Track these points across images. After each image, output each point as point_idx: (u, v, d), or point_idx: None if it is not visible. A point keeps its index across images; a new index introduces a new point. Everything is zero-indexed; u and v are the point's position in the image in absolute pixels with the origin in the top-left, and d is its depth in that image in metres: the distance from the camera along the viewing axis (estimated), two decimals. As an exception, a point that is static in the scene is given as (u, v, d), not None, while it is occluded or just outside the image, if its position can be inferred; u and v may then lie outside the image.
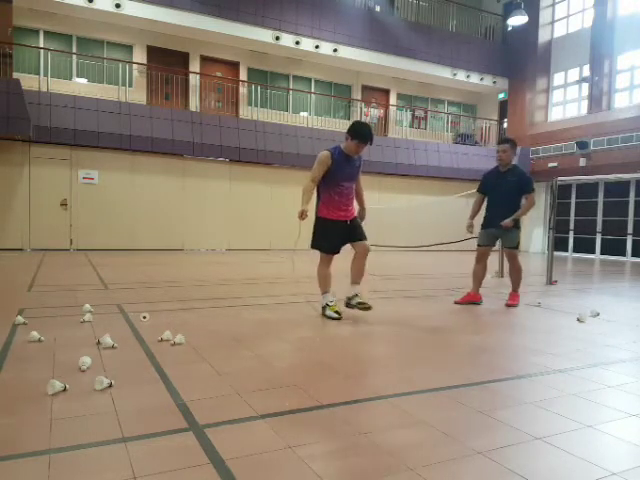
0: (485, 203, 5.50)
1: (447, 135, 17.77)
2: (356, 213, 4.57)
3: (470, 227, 5.40)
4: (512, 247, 5.30)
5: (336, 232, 4.40)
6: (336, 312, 4.32)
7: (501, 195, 5.24)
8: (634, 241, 14.49)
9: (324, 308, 4.42)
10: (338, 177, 4.34)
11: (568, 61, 16.31)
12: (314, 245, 4.46)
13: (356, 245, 4.44)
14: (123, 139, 11.88)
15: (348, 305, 4.41)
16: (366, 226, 4.60)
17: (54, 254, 10.52)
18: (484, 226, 5.45)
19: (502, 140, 5.44)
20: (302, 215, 4.15)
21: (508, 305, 5.27)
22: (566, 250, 15.98)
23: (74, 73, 12.91)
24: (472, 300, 5.34)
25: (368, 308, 4.28)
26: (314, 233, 4.48)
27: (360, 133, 4.25)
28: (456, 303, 5.31)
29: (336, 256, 4.54)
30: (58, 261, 9.08)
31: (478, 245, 5.51)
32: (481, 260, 5.45)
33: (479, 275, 5.43)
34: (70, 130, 11.35)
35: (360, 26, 15.04)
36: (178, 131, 12.48)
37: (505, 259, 5.68)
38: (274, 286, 6.52)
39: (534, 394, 2.55)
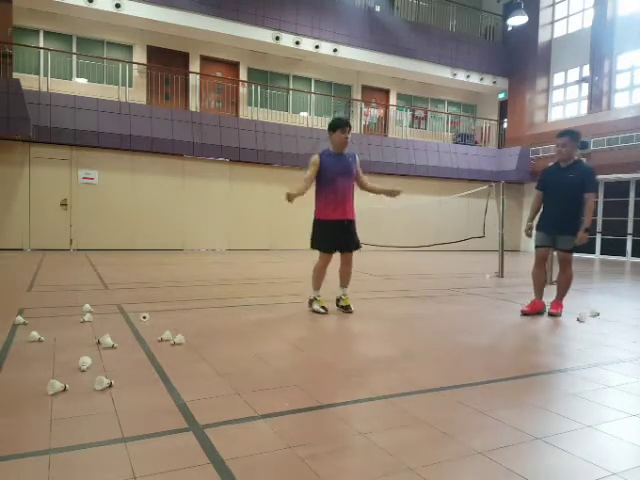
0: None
1: (447, 135, 17.76)
2: (355, 216, 4.74)
3: (529, 230, 4.89)
4: (566, 250, 4.67)
5: (332, 233, 4.60)
6: (322, 307, 4.61)
7: (561, 193, 4.65)
8: (634, 241, 14.49)
9: (311, 301, 4.69)
10: (330, 172, 4.56)
11: (568, 61, 16.31)
12: (313, 245, 4.71)
13: (344, 256, 4.74)
14: (123, 139, 11.87)
15: (337, 304, 4.80)
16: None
17: (54, 254, 10.52)
18: (541, 227, 4.84)
19: (561, 133, 4.71)
20: (289, 197, 4.37)
21: (551, 314, 4.75)
22: (566, 250, 15.95)
23: (74, 73, 12.90)
24: (539, 309, 4.82)
25: (349, 312, 4.64)
26: (312, 234, 4.71)
27: (335, 123, 4.61)
28: (524, 314, 4.73)
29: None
30: (58, 261, 9.08)
31: (536, 246, 4.89)
32: (541, 263, 4.86)
33: (540, 280, 4.86)
34: (70, 130, 11.34)
35: (360, 26, 15.03)
36: (178, 131, 12.48)
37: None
38: (274, 286, 6.51)
39: (534, 394, 2.55)
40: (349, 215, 4.64)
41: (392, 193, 4.70)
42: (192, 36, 13.60)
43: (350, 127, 4.62)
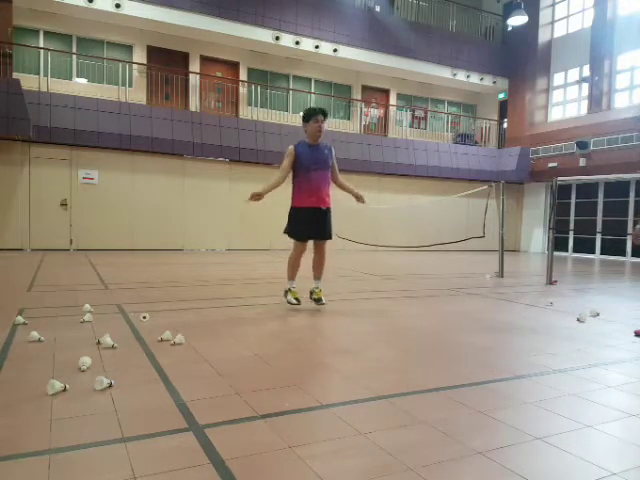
0: None
1: (447, 135, 17.76)
2: (331, 204, 4.77)
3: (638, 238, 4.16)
4: None
5: (307, 220, 4.64)
6: (296, 299, 4.69)
7: None
8: (634, 241, 14.47)
9: (286, 292, 4.78)
10: (306, 162, 4.61)
11: (568, 61, 16.31)
12: (286, 231, 4.76)
13: (317, 245, 4.78)
14: (123, 139, 11.87)
15: (310, 297, 4.83)
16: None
17: (54, 254, 10.52)
18: None
19: None
20: (253, 196, 4.45)
21: (637, 334, 3.97)
22: (566, 250, 15.97)
23: (74, 73, 12.90)
24: None
25: (321, 304, 4.72)
26: (288, 221, 4.77)
27: (308, 113, 4.64)
28: (638, 335, 3.95)
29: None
30: (58, 261, 9.08)
31: None
32: None
33: None
34: (70, 130, 11.35)
35: (360, 26, 15.03)
36: (178, 131, 12.48)
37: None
38: (274, 286, 6.51)
39: (534, 394, 2.55)
40: (325, 203, 4.67)
41: (358, 198, 4.89)
42: (192, 36, 13.60)
43: (325, 115, 4.62)
